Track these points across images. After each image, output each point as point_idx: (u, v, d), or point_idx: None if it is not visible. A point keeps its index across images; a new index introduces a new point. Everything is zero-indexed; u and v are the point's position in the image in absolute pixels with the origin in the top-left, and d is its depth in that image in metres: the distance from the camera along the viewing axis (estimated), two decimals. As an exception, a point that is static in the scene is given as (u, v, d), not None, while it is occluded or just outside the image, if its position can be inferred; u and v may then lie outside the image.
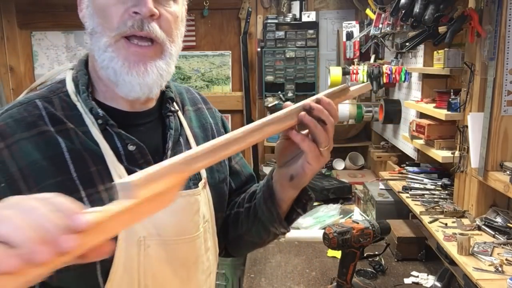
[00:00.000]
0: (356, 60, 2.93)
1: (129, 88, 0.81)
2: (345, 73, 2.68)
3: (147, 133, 0.88)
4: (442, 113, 1.73)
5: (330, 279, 1.77)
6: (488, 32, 1.50)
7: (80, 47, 3.61)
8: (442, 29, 1.70)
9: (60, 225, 0.45)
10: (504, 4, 1.42)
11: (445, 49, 1.77)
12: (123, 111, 0.86)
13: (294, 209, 0.92)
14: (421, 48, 2.06)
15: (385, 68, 2.38)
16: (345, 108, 2.79)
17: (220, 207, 0.99)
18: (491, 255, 1.39)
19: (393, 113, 2.43)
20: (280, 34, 3.32)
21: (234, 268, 2.87)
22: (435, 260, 1.87)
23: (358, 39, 2.94)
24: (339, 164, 3.28)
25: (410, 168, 2.10)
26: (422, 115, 2.07)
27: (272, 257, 2.03)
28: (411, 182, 1.99)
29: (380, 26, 2.37)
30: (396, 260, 1.94)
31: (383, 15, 2.33)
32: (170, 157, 0.82)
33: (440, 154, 1.76)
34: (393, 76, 2.32)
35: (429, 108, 1.86)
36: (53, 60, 3.63)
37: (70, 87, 0.86)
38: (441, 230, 1.58)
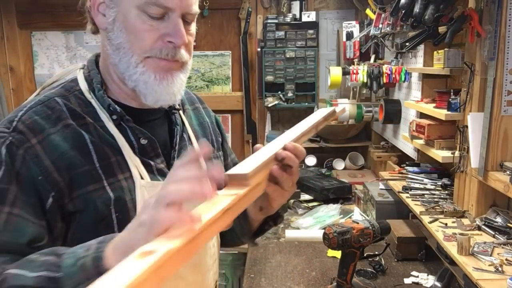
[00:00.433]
0: (356, 60, 2.93)
1: (158, 98, 0.89)
2: (345, 73, 2.68)
3: (155, 128, 0.97)
4: (442, 113, 1.73)
5: (330, 279, 1.77)
6: (488, 32, 1.50)
7: (80, 47, 3.61)
8: (442, 29, 1.70)
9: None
10: (504, 4, 1.42)
11: (445, 49, 1.77)
12: (133, 108, 0.94)
13: (266, 221, 1.03)
14: (421, 48, 2.06)
15: (385, 68, 2.38)
16: (345, 108, 2.79)
17: None
18: (491, 255, 1.39)
19: (393, 113, 2.43)
20: (280, 34, 3.32)
21: (234, 268, 2.87)
22: (435, 260, 1.87)
23: (358, 39, 2.94)
24: (339, 164, 3.28)
25: (410, 168, 2.10)
26: (422, 115, 2.07)
27: (272, 257, 2.03)
28: (411, 182, 1.99)
29: (380, 26, 2.37)
30: (396, 260, 1.94)
31: (383, 15, 2.33)
32: (179, 151, 0.98)
33: (440, 154, 1.76)
34: (393, 76, 2.32)
35: (429, 108, 1.86)
36: (53, 60, 3.63)
37: (83, 85, 0.93)
38: (441, 230, 1.58)
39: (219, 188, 0.67)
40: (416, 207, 1.77)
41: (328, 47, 3.45)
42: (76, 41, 3.60)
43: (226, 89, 3.63)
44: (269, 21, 3.33)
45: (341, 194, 2.69)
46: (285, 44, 3.33)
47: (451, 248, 1.45)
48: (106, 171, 0.87)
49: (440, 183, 1.92)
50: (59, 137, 0.85)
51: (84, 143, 0.86)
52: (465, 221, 1.63)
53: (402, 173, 2.15)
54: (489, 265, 1.34)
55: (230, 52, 3.57)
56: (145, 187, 0.90)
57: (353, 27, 2.99)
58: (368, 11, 2.59)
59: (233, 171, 0.72)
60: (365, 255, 1.68)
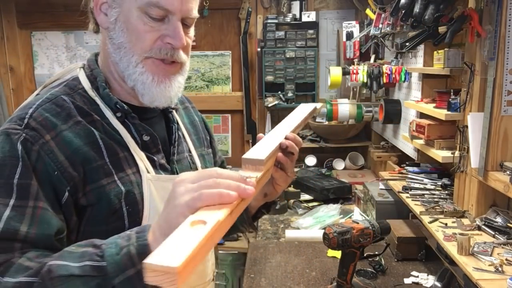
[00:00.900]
0: (356, 60, 2.93)
1: (154, 99, 0.94)
2: (345, 73, 2.68)
3: (154, 126, 1.01)
4: (442, 113, 1.73)
5: (330, 279, 1.77)
6: (488, 32, 1.49)
7: (80, 47, 3.61)
8: (442, 29, 1.70)
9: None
10: (504, 4, 1.42)
11: (445, 49, 1.77)
12: (133, 106, 0.98)
13: (260, 209, 1.10)
14: (421, 48, 2.06)
15: (385, 68, 2.38)
16: (345, 108, 2.79)
17: None
18: (491, 255, 1.39)
19: (393, 113, 2.43)
20: (280, 34, 3.32)
21: (234, 268, 2.87)
22: (435, 260, 1.87)
23: (358, 39, 2.94)
24: (339, 164, 3.28)
25: (410, 168, 2.10)
26: (422, 115, 2.07)
27: (272, 257, 2.03)
28: (411, 182, 1.99)
29: (380, 26, 2.37)
30: (396, 260, 1.94)
31: (383, 15, 2.33)
32: (178, 147, 1.04)
33: (440, 154, 1.76)
34: (393, 76, 2.32)
35: (429, 108, 1.86)
36: (53, 60, 3.63)
37: (86, 84, 0.96)
38: (441, 230, 1.58)
39: None
40: (416, 207, 1.77)
41: (328, 47, 3.45)
42: (76, 41, 3.60)
43: (226, 89, 3.63)
44: (269, 21, 3.33)
45: (341, 194, 2.69)
46: (285, 44, 3.34)
47: (451, 248, 1.45)
48: (116, 166, 0.91)
49: (440, 183, 1.92)
50: (71, 133, 0.88)
51: (95, 139, 0.90)
52: (465, 221, 1.63)
53: (402, 173, 2.15)
54: (489, 265, 1.34)
55: (230, 52, 3.57)
56: (151, 181, 0.94)
57: (353, 27, 2.99)
58: (368, 11, 2.59)
59: (249, 155, 0.79)
60: (365, 255, 1.68)
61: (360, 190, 2.56)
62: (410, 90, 2.28)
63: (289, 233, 2.24)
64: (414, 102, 2.09)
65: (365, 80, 2.53)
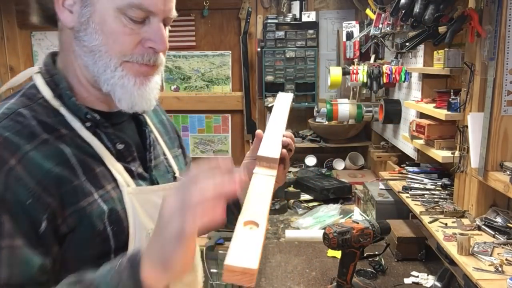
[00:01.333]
0: (356, 60, 2.93)
1: (134, 103, 0.85)
2: (345, 73, 2.68)
3: (126, 131, 0.93)
4: (442, 113, 1.73)
5: (330, 279, 1.77)
6: (488, 32, 1.49)
7: (80, 47, 3.61)
8: (442, 29, 1.70)
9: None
10: (504, 4, 1.42)
11: (445, 49, 1.77)
12: (101, 112, 0.88)
13: None
14: (421, 48, 2.06)
15: (385, 68, 2.38)
16: (345, 108, 2.79)
17: None
18: (491, 255, 1.39)
19: (393, 113, 2.43)
20: (280, 34, 3.32)
21: (234, 268, 2.86)
22: (435, 260, 1.86)
23: (358, 39, 2.94)
24: (339, 164, 3.28)
25: (410, 168, 2.10)
26: (422, 115, 2.07)
27: (272, 257, 2.03)
28: (411, 182, 1.99)
29: (380, 26, 2.37)
30: (396, 260, 1.94)
31: (383, 15, 2.33)
32: (154, 153, 0.97)
33: (440, 154, 1.76)
34: (393, 76, 2.32)
35: (429, 108, 1.86)
36: (53, 60, 3.63)
37: (46, 92, 0.85)
38: (441, 230, 1.58)
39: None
40: (416, 207, 1.77)
41: (328, 47, 3.45)
42: (76, 41, 3.60)
43: (226, 89, 3.63)
44: (269, 21, 3.33)
45: (341, 194, 2.69)
46: (285, 44, 3.33)
47: (451, 248, 1.45)
48: (94, 184, 0.82)
49: (440, 183, 1.92)
50: (39, 154, 0.77)
51: (66, 157, 0.80)
52: (465, 221, 1.63)
53: (402, 173, 2.15)
54: (489, 265, 1.34)
55: (230, 52, 3.57)
56: (132, 194, 0.86)
57: (353, 27, 2.99)
58: (368, 11, 2.59)
59: (264, 153, 0.84)
60: (365, 255, 1.68)
61: (360, 190, 2.56)
62: (410, 90, 2.28)
63: (289, 233, 2.24)
64: (414, 102, 2.09)
65: (365, 80, 2.53)
